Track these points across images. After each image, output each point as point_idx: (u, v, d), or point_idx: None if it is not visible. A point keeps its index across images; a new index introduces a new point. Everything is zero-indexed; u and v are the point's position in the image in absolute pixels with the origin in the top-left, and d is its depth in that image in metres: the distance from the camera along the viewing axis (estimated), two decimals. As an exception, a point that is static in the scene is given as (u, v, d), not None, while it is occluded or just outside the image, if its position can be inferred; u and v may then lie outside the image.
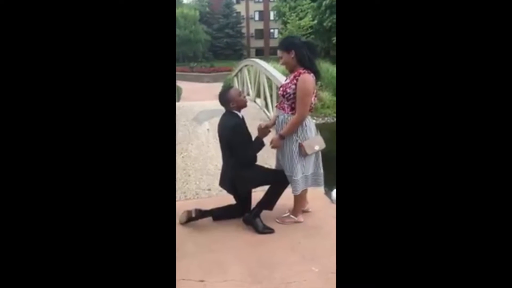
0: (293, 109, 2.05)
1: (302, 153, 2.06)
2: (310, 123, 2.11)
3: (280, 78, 4.35)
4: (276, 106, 2.22)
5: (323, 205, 2.53)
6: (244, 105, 2.18)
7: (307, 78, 1.98)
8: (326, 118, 8.75)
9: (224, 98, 2.13)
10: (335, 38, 14.89)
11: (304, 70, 2.00)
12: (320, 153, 2.17)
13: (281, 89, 2.12)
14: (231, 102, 2.11)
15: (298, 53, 2.00)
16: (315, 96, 2.06)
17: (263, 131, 2.17)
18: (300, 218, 2.28)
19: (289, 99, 2.05)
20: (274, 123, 2.29)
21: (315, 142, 2.08)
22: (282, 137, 2.08)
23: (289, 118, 2.06)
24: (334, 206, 2.51)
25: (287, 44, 2.07)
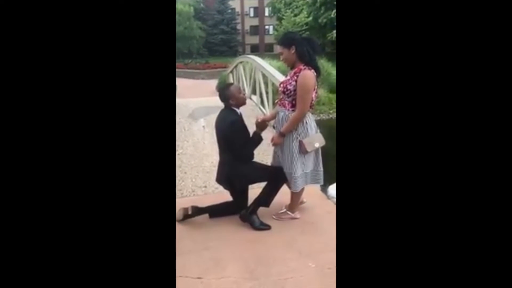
0: (293, 106, 2.04)
1: (302, 151, 2.06)
2: (311, 120, 2.11)
3: (276, 74, 4.34)
4: (277, 103, 2.22)
5: (319, 201, 2.54)
6: (244, 103, 2.18)
7: (308, 74, 1.97)
8: (321, 115, 8.78)
9: (224, 94, 2.13)
10: (330, 34, 14.90)
11: (305, 66, 1.99)
12: (320, 150, 2.17)
13: (281, 85, 2.11)
14: (230, 98, 2.11)
15: (299, 49, 1.99)
16: (316, 93, 2.06)
17: (261, 124, 2.17)
18: (297, 214, 2.29)
19: (289, 96, 2.05)
20: (271, 117, 2.29)
21: (315, 139, 2.08)
22: (282, 134, 2.07)
23: (289, 115, 2.05)
24: (330, 202, 2.53)
25: (288, 40, 2.05)
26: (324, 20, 14.97)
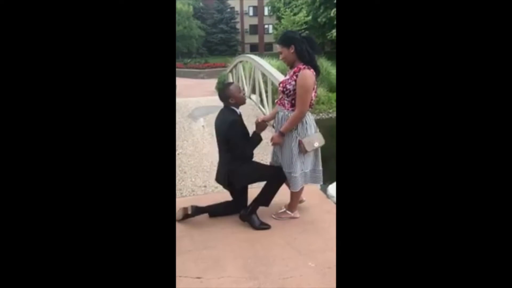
0: (293, 105, 2.04)
1: (302, 150, 2.06)
2: (310, 119, 2.10)
3: (276, 74, 4.34)
4: (277, 103, 2.22)
5: (318, 201, 2.54)
6: (243, 102, 2.18)
7: (307, 73, 1.96)
8: (321, 114, 8.78)
9: (224, 93, 2.13)
10: (329, 33, 14.92)
11: (304, 66, 1.99)
12: (319, 149, 2.17)
13: (281, 85, 2.11)
14: (230, 98, 2.11)
15: (298, 48, 1.99)
16: (315, 92, 2.06)
17: (261, 124, 2.18)
18: (296, 213, 2.29)
19: (289, 95, 2.04)
20: (271, 117, 2.28)
21: (315, 139, 2.08)
22: (282, 134, 2.07)
23: (289, 114, 2.05)
24: (329, 202, 2.53)
25: (287, 39, 2.04)
26: (324, 19, 14.98)
